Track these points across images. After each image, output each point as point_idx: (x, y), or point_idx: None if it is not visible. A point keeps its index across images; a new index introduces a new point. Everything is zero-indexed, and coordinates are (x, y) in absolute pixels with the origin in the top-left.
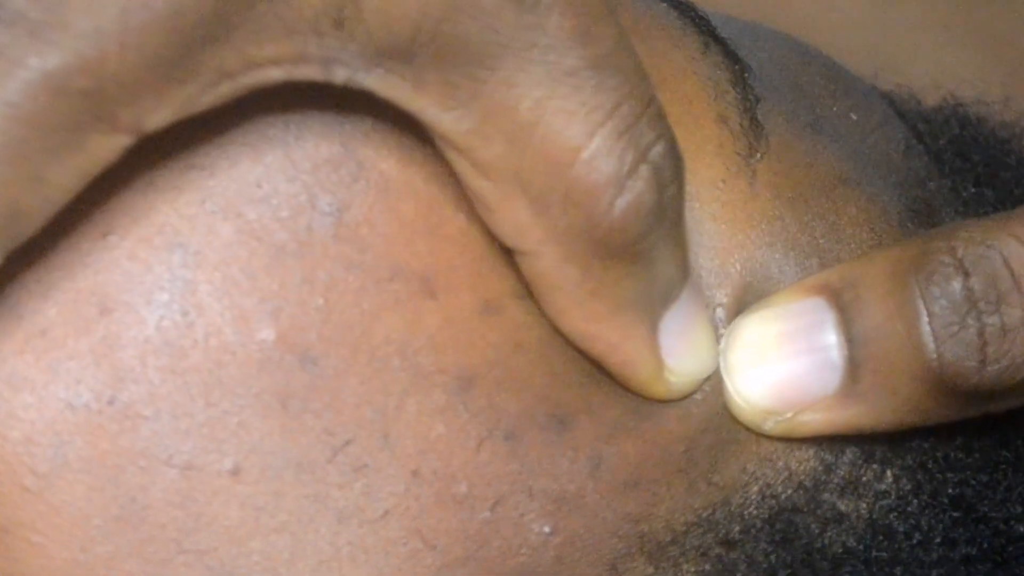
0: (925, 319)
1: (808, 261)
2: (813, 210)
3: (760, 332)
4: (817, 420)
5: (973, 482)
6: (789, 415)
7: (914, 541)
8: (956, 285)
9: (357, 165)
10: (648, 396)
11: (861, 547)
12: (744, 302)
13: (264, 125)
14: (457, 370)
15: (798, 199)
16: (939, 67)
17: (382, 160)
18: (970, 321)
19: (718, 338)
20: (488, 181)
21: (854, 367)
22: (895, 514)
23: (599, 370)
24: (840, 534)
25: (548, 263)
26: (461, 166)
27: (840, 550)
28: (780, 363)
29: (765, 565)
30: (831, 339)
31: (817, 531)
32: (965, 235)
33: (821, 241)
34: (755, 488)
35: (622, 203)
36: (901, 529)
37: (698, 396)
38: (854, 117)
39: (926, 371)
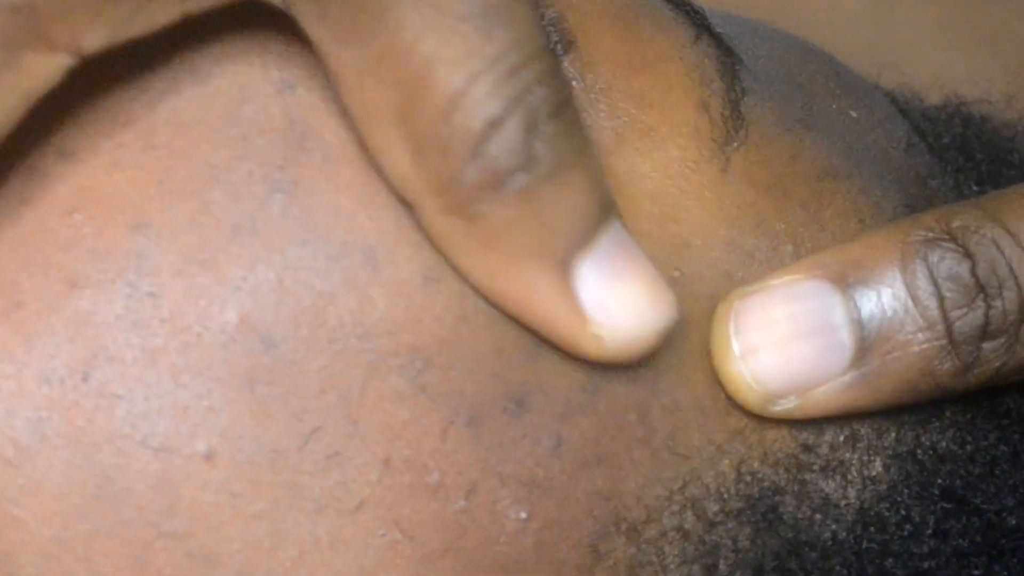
0: (937, 301)
1: (783, 246)
2: (793, 199)
3: (765, 314)
4: (823, 401)
5: (964, 473)
6: (793, 398)
7: (905, 532)
8: (965, 269)
9: (302, 136)
10: (587, 357)
11: (851, 537)
12: (704, 275)
13: (218, 103)
14: (410, 351)
15: (776, 188)
16: (942, 66)
17: (324, 128)
18: (979, 303)
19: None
20: (375, 126)
21: (863, 348)
22: (886, 504)
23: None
24: (829, 522)
25: (432, 215)
26: (352, 108)
27: (829, 539)
28: (790, 346)
29: (752, 553)
30: (839, 319)
31: (804, 517)
32: (960, 223)
33: (800, 229)
34: (727, 462)
35: (489, 146)
36: (892, 520)
37: (647, 359)
38: (854, 114)
39: (935, 351)
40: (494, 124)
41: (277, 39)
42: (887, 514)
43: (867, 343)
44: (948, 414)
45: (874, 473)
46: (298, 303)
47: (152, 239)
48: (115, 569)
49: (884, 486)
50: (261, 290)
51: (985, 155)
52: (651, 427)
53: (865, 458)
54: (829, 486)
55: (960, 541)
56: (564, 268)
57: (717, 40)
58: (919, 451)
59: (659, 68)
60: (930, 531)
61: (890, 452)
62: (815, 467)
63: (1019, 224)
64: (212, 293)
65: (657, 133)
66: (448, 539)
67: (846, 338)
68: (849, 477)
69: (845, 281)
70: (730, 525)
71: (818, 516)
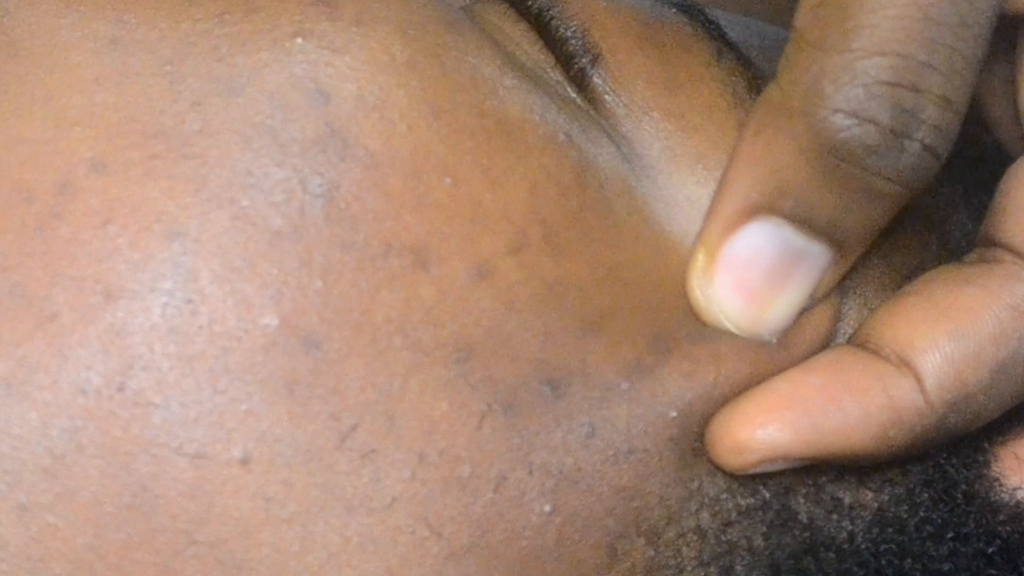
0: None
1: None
2: None
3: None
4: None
5: (987, 477)
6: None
7: (924, 534)
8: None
9: (343, 144)
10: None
11: (868, 538)
12: None
13: (251, 112)
14: (455, 342)
15: None
16: None
17: (366, 137)
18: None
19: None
20: None
21: (838, 240)
22: (905, 506)
23: (593, 323)
24: (844, 522)
25: None
26: None
27: (846, 540)
28: (780, 294)
29: (767, 554)
30: (802, 243)
31: (819, 517)
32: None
33: None
34: None
35: None
36: (912, 522)
37: (711, 359)
38: None
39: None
40: None
41: (305, 48)
42: (906, 516)
43: (839, 234)
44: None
45: (891, 475)
46: (342, 303)
47: (189, 247)
48: None
49: (902, 488)
50: (303, 293)
51: (990, 163)
52: (686, 429)
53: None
54: (844, 486)
55: (980, 544)
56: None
57: (737, 53)
58: (941, 457)
59: (692, 89)
60: (951, 533)
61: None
62: (830, 474)
63: None
64: (252, 298)
65: (708, 160)
66: (474, 535)
67: (822, 253)
68: (865, 478)
69: (781, 211)
70: (745, 524)
71: (834, 516)
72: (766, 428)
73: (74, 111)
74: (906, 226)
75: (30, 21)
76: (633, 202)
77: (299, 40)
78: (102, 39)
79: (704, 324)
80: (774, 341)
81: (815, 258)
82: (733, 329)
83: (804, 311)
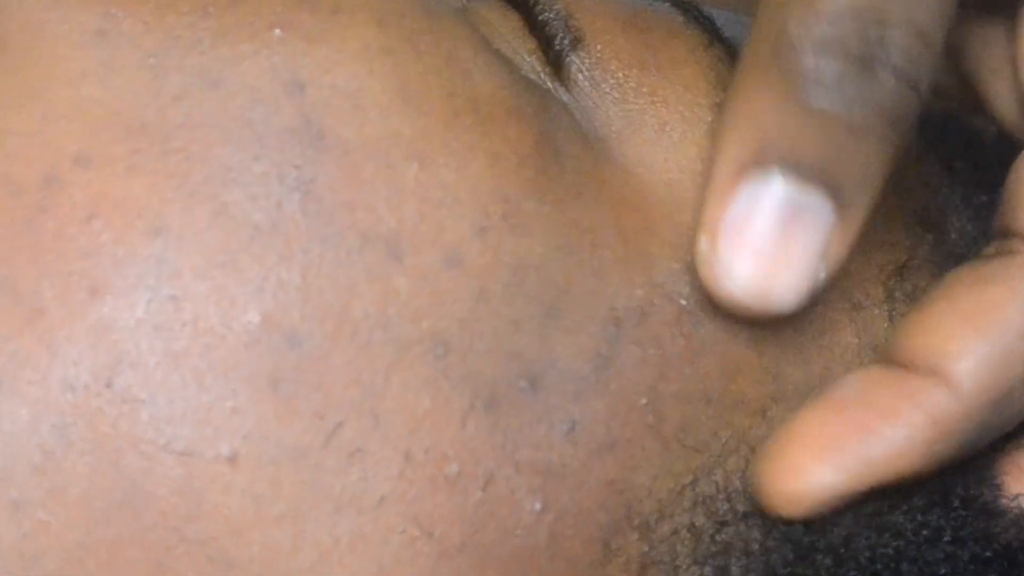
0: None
1: None
2: None
3: (752, 231)
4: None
5: (988, 484)
6: (823, 275)
7: (921, 539)
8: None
9: (318, 135)
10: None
11: (865, 542)
12: None
13: (231, 106)
14: (433, 336)
15: None
16: None
17: (340, 126)
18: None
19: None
20: None
21: (835, 187)
22: (902, 510)
23: (552, 306)
24: (840, 527)
25: None
26: None
27: (841, 544)
28: (794, 257)
29: (763, 556)
30: (799, 194)
31: (815, 520)
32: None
33: None
34: (733, 460)
35: None
36: (908, 526)
37: (652, 340)
38: None
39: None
40: None
41: (283, 39)
42: (902, 520)
43: (836, 184)
44: None
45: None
46: (322, 299)
47: (172, 243)
48: (136, 575)
49: (900, 495)
50: (284, 289)
51: (990, 164)
52: (661, 415)
53: None
54: None
55: (977, 548)
56: None
57: (728, 46)
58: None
59: (673, 70)
60: (948, 538)
61: None
62: None
63: None
64: (234, 294)
65: (672, 129)
66: (466, 533)
67: (818, 196)
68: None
69: (768, 159)
70: (740, 527)
71: (829, 521)
72: (816, 476)
73: (60, 104)
74: (900, 225)
75: (18, 14)
76: (587, 165)
77: (278, 31)
78: (89, 32)
79: (716, 300)
80: (788, 312)
81: (817, 211)
82: (747, 300)
83: (819, 283)
